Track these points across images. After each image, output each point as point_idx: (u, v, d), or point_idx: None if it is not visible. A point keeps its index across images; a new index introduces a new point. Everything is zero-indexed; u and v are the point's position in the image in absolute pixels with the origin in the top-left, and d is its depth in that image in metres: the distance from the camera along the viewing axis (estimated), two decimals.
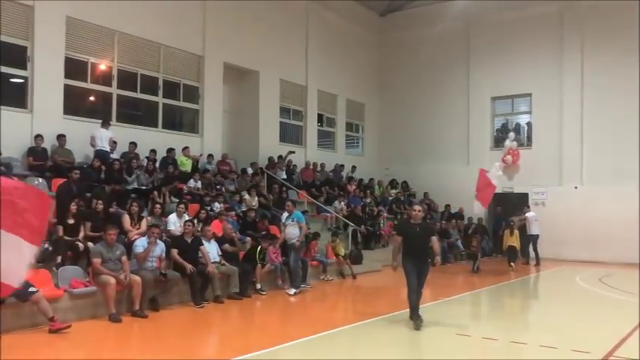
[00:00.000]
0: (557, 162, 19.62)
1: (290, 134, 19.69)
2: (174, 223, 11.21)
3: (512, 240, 16.63)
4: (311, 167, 18.92)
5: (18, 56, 12.31)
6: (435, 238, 8.81)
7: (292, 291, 11.43)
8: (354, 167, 20.85)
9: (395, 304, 9.74)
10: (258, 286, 11.34)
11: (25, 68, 12.43)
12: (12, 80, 12.46)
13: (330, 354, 7.22)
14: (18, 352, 6.96)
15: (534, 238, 17.55)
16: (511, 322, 9.90)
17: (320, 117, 20.91)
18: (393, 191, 21.41)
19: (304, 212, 14.41)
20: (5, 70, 12.16)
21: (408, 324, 8.32)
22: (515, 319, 10.41)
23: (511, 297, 12.84)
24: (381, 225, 17.80)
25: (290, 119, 19.72)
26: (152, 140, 14.52)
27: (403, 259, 8.48)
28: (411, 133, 22.38)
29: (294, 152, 18.24)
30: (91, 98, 14.20)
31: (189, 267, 9.89)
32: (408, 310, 8.49)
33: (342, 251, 14.26)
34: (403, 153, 22.43)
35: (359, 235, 16.30)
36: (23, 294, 7.56)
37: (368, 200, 18.85)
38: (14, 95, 12.38)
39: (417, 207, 8.91)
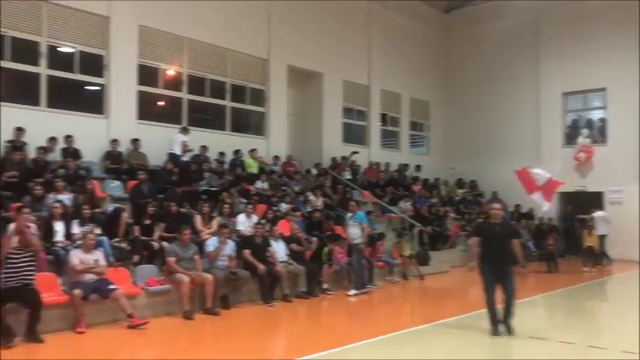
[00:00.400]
0: (635, 159, 18.61)
1: (353, 134, 19.70)
2: (243, 223, 11.46)
3: (592, 240, 15.95)
4: (374, 167, 18.85)
5: (95, 65, 12.95)
6: (516, 241, 8.04)
7: (352, 292, 11.35)
8: (418, 167, 20.61)
9: (464, 307, 9.56)
10: (325, 285, 11.41)
11: (101, 76, 13.06)
12: (88, 88, 13.10)
13: (398, 355, 7.16)
14: (102, 346, 7.34)
15: (602, 239, 16.81)
16: (588, 325, 9.49)
17: (383, 116, 20.79)
18: (460, 191, 20.99)
19: (368, 213, 14.38)
20: (83, 78, 12.83)
21: (478, 327, 8.12)
22: (591, 322, 9.97)
23: (587, 299, 12.31)
24: (448, 226, 17.49)
25: (353, 119, 19.74)
26: (220, 143, 14.90)
27: (481, 263, 7.85)
28: (478, 131, 21.85)
29: (357, 152, 18.23)
30: (163, 103, 14.73)
31: (261, 267, 10.08)
32: (477, 312, 8.27)
33: (406, 252, 14.12)
34: (470, 151, 21.93)
35: (425, 235, 16.10)
36: (104, 291, 7.97)
37: (434, 200, 18.57)
38: (92, 102, 13.04)
39: (496, 205, 8.11)
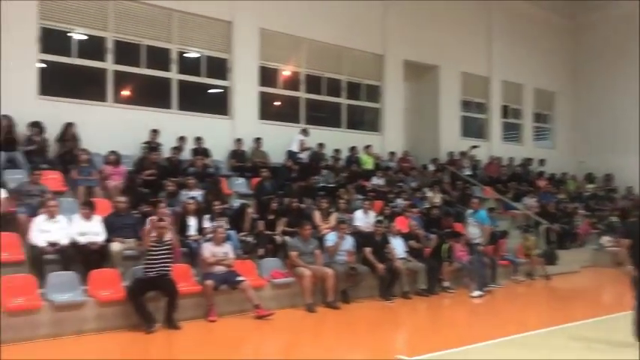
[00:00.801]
0: None
1: (472, 128, 19.06)
2: (361, 219, 11.52)
3: None
4: (496, 162, 18.11)
5: (219, 68, 13.67)
6: None
7: (476, 293, 10.91)
8: (542, 161, 19.50)
9: (595, 309, 8.91)
10: (446, 283, 11.16)
11: (225, 79, 13.75)
12: (211, 91, 13.81)
13: (523, 357, 6.81)
14: (232, 334, 7.74)
15: None
16: None
17: (504, 109, 19.90)
18: (590, 186, 19.57)
19: (491, 210, 13.84)
20: (209, 81, 13.59)
21: (613, 331, 7.50)
22: None
23: None
24: (577, 223, 16.38)
25: (472, 113, 19.10)
26: (336, 140, 15.08)
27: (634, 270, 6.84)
28: (610, 122, 20.18)
29: (477, 147, 17.62)
30: (282, 103, 15.20)
31: (380, 267, 10.08)
32: (611, 316, 7.60)
33: (533, 250, 13.42)
34: (601, 144, 20.34)
35: (552, 233, 15.19)
36: (233, 282, 8.39)
37: (561, 196, 17.48)
38: (217, 104, 13.77)
39: None
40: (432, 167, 16.40)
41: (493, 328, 8.51)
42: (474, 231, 11.46)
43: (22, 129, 10.44)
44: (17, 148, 10.20)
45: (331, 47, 15.52)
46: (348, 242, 10.20)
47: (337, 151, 14.70)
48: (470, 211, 11.85)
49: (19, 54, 10.70)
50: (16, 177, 9.47)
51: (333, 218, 11.09)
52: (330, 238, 10.11)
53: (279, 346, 7.66)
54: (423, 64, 17.59)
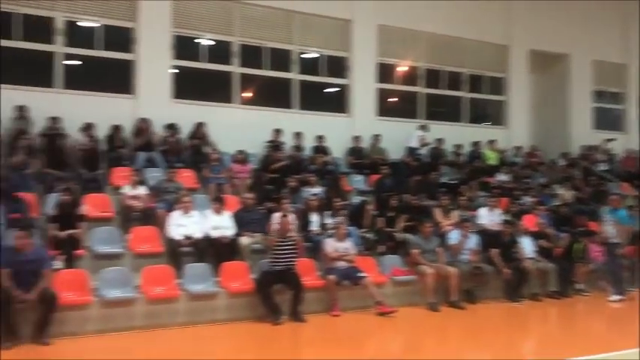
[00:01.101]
0: None
1: (607, 120, 17.64)
2: (486, 216, 11.08)
3: None
4: (634, 155, 16.59)
5: (338, 67, 13.82)
6: None
7: (614, 297, 10.03)
8: None
9: None
10: (580, 286, 10.43)
11: (343, 77, 13.87)
12: (328, 90, 14.02)
13: None
14: (355, 329, 7.79)
15: None
16: None
17: None
18: None
19: (630, 208, 12.70)
20: (328, 80, 13.81)
21: None
22: None
23: None
24: None
25: (606, 103, 17.68)
26: (457, 135, 14.64)
27: None
28: None
29: (614, 139, 16.28)
30: (399, 99, 15.05)
31: (506, 271, 9.64)
32: None
33: None
34: None
35: None
36: (354, 277, 8.44)
37: None
38: (334, 102, 13.96)
39: None
40: (562, 162, 15.39)
41: (633, 336, 7.79)
42: (611, 230, 10.58)
43: (158, 130, 11.27)
44: (154, 148, 11.02)
45: (451, 39, 15.10)
46: (472, 241, 9.87)
47: (458, 146, 14.28)
48: (608, 208, 10.95)
49: (155, 61, 11.62)
50: (154, 175, 10.23)
51: (455, 216, 10.79)
52: (453, 236, 9.84)
53: (404, 344, 7.61)
54: (550, 53, 16.57)
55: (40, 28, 11.02)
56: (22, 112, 10.36)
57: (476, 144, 14.52)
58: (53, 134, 10.25)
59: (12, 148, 9.64)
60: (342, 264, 8.58)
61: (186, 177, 10.41)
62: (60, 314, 6.73)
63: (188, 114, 11.61)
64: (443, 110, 15.65)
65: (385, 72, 14.38)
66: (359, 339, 7.49)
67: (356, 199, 11.17)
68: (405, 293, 9.18)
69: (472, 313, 8.95)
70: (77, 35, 11.39)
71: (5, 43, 10.61)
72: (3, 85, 10.12)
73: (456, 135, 14.66)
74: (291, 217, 8.92)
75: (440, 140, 14.10)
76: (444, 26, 14.75)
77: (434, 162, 13.40)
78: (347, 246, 8.80)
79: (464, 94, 15.53)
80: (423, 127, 13.81)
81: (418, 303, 9.05)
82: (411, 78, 14.91)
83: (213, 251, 8.48)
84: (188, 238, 8.45)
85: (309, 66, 13.62)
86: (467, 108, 15.60)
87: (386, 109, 14.42)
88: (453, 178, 13.08)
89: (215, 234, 8.64)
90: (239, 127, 12.06)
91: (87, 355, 6.47)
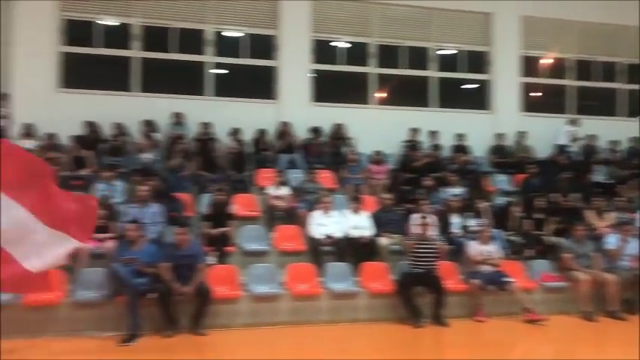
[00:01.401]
0: None
1: None
2: None
3: None
4: None
5: (477, 62, 13.35)
6: None
7: None
8: None
9: None
10: None
11: (484, 72, 13.36)
12: (465, 86, 13.58)
13: None
14: (501, 336, 7.45)
15: None
16: None
17: None
18: None
19: None
20: (467, 76, 13.39)
21: None
22: None
23: None
24: None
25: None
26: (612, 130, 13.40)
27: None
28: None
29: None
30: (543, 93, 14.13)
31: None
32: None
33: None
34: None
35: None
36: (500, 282, 8.06)
37: None
38: (474, 99, 13.48)
39: None
40: None
41: None
42: None
43: (300, 133, 11.64)
44: (295, 150, 11.41)
45: (603, 27, 13.88)
46: (633, 246, 8.96)
47: (614, 142, 13.08)
48: None
49: (296, 66, 12.07)
50: (295, 176, 10.58)
51: (611, 218, 9.89)
52: (612, 241, 9.02)
53: (556, 354, 7.09)
54: None
55: (192, 41, 11.91)
56: (178, 118, 11.31)
57: (635, 140, 13.20)
58: (205, 139, 11.05)
59: (170, 152, 10.54)
60: (486, 268, 8.23)
61: (325, 177, 10.64)
62: (213, 307, 7.19)
63: (326, 116, 11.88)
64: (595, 104, 14.44)
65: (529, 65, 13.61)
66: (505, 345, 7.13)
67: (500, 200, 10.66)
68: (556, 301, 8.57)
69: (633, 325, 8.10)
70: (224, 45, 12.15)
71: (163, 55, 11.68)
72: (162, 95, 11.13)
73: (611, 130, 13.44)
74: (431, 219, 8.73)
75: (592, 137, 13.02)
76: (595, 13, 13.54)
77: (586, 160, 12.42)
78: (491, 249, 8.43)
79: (620, 85, 14.20)
80: (573, 122, 12.87)
81: (570, 312, 8.41)
82: (557, 70, 13.95)
83: (353, 251, 8.56)
84: (329, 237, 8.62)
85: (448, 63, 13.29)
86: (624, 101, 14.23)
87: (530, 104, 13.64)
88: (609, 177, 12.03)
89: (354, 233, 8.72)
90: (376, 128, 12.11)
91: (241, 347, 6.82)
